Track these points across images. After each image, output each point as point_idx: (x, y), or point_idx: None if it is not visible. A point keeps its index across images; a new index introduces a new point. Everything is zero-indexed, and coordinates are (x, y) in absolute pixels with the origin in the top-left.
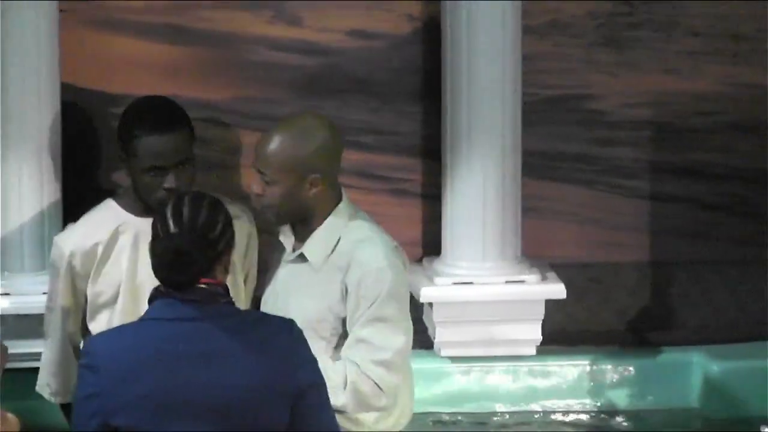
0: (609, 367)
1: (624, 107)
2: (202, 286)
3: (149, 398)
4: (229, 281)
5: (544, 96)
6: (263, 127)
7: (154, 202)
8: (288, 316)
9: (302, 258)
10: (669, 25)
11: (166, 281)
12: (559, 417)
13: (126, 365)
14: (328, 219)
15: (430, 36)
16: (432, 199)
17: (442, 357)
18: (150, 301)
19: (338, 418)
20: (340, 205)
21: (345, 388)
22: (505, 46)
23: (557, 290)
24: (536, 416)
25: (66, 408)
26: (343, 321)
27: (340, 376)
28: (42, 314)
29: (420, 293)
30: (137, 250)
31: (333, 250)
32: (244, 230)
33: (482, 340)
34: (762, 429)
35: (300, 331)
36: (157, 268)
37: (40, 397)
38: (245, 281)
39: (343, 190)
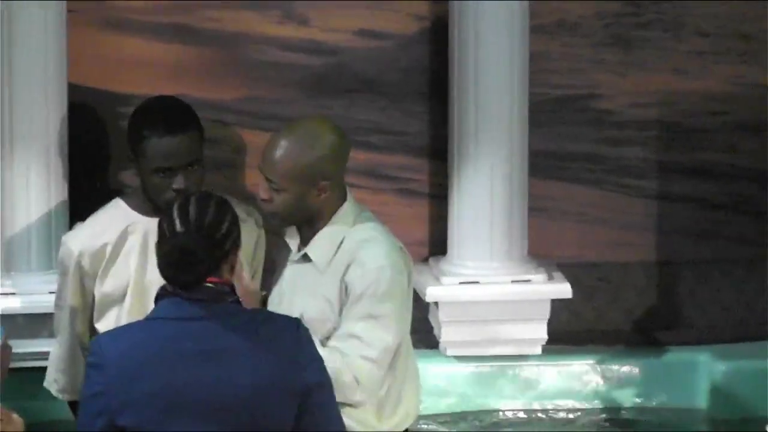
0: (615, 366)
1: (632, 107)
2: (209, 285)
3: (155, 397)
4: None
5: (552, 96)
6: (271, 126)
7: (163, 203)
8: (293, 315)
9: (307, 258)
10: (677, 25)
11: (173, 280)
12: (565, 417)
13: (132, 364)
14: (332, 219)
15: (438, 36)
16: (439, 198)
17: (448, 356)
18: (156, 300)
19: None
20: (345, 205)
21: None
22: (512, 45)
23: (563, 290)
24: (542, 416)
25: (74, 406)
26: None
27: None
28: (49, 314)
29: (426, 292)
30: (146, 250)
31: (337, 250)
32: (252, 232)
33: (488, 339)
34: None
35: (306, 330)
36: (164, 268)
37: (47, 396)
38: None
39: (348, 190)
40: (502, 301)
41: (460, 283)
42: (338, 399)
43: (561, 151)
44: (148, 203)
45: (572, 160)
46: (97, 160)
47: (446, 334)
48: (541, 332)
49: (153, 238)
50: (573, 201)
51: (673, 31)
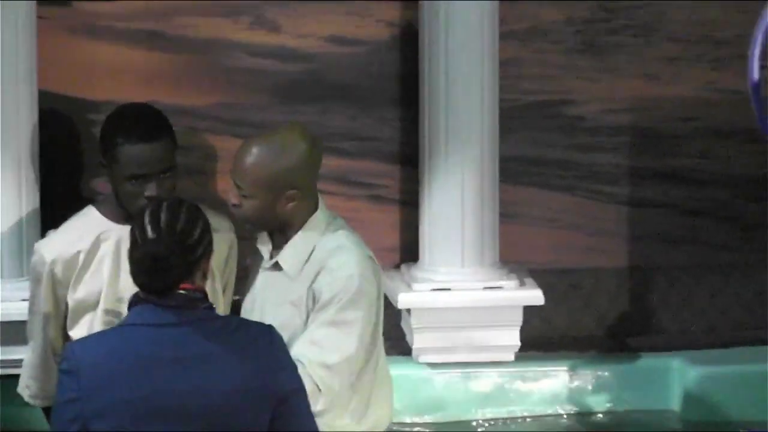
0: (588, 372)
1: (604, 113)
2: (181, 291)
3: (129, 403)
4: (207, 288)
5: (524, 102)
6: (243, 133)
7: (135, 210)
8: (265, 322)
9: (278, 266)
10: (648, 31)
11: (145, 287)
12: (538, 423)
13: (106, 370)
14: (303, 228)
15: (409, 42)
16: (410, 205)
17: (420, 363)
18: (129, 307)
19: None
20: (317, 213)
21: None
22: (482, 51)
23: (535, 296)
24: (515, 423)
25: (48, 411)
26: None
27: None
28: (21, 321)
29: (398, 299)
30: (119, 258)
31: (308, 259)
32: (225, 240)
33: (460, 346)
34: None
35: (280, 337)
36: (136, 274)
37: (22, 403)
38: (224, 290)
39: (321, 198)
40: (474, 307)
41: (432, 289)
42: None
43: (533, 157)
44: (120, 210)
45: (544, 166)
46: (68, 168)
47: (418, 341)
48: (513, 339)
49: (126, 246)
50: (545, 207)
51: (645, 37)
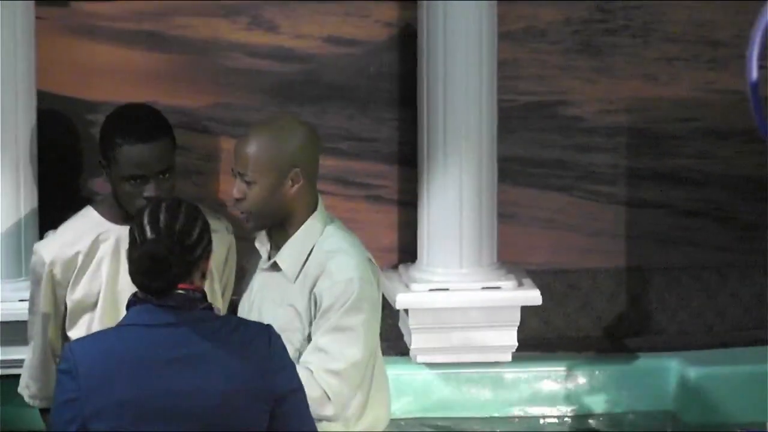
0: (586, 373)
1: (601, 113)
2: (180, 291)
3: (127, 404)
4: (206, 288)
5: (521, 102)
6: (241, 133)
7: (134, 211)
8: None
9: (276, 267)
10: (646, 31)
11: (144, 287)
12: (535, 424)
13: (104, 371)
14: (303, 226)
15: (407, 42)
16: (408, 205)
17: (418, 363)
18: (128, 307)
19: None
20: (316, 213)
21: None
22: (481, 52)
23: (533, 297)
24: (512, 423)
25: (45, 414)
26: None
27: None
28: (18, 321)
29: (396, 300)
30: (118, 258)
31: (306, 260)
32: (224, 240)
33: (458, 346)
34: None
35: (278, 337)
36: (135, 274)
37: (21, 403)
38: (223, 292)
39: (320, 198)
40: (471, 307)
41: (430, 290)
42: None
43: (530, 158)
44: (119, 211)
45: (542, 167)
46: (67, 168)
47: (416, 341)
48: (511, 339)
49: (125, 246)
50: (543, 207)
51: (643, 38)
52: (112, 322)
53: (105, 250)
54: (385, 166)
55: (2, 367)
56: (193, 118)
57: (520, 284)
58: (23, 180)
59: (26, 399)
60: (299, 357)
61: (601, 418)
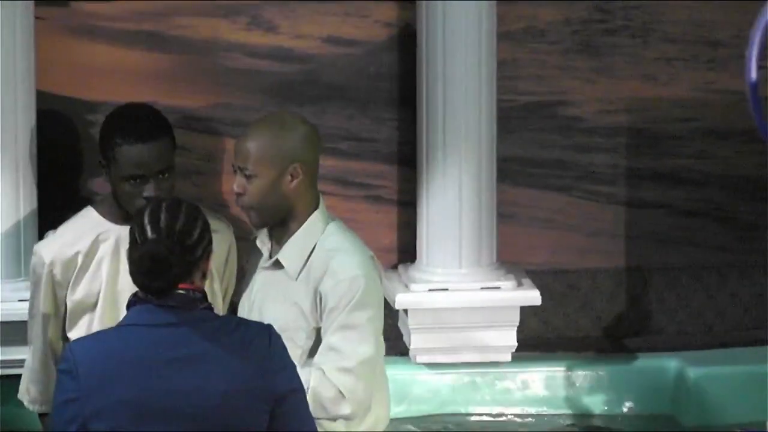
0: (585, 373)
1: (601, 113)
2: (180, 291)
3: (128, 403)
4: (206, 288)
5: (521, 102)
6: (241, 133)
7: (133, 210)
8: (263, 321)
9: (278, 265)
10: (645, 32)
11: (144, 287)
12: (534, 423)
13: (104, 370)
14: (305, 224)
15: (406, 42)
16: (408, 205)
17: (417, 364)
18: (128, 307)
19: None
20: (317, 212)
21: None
22: (480, 52)
23: (532, 297)
24: (512, 423)
25: (45, 418)
26: (317, 330)
27: (303, 382)
28: (17, 321)
29: (395, 300)
30: (118, 258)
31: (308, 258)
32: (224, 241)
33: (457, 346)
34: None
35: (278, 336)
36: (135, 274)
37: (20, 404)
38: (225, 293)
39: (321, 198)
40: (471, 308)
41: (429, 290)
42: (324, 416)
43: (530, 158)
44: (119, 210)
45: (541, 167)
46: (66, 168)
47: (416, 341)
48: (510, 339)
49: (125, 246)
50: (542, 207)
51: (642, 38)
52: (112, 323)
53: (105, 250)
54: (384, 166)
55: (2, 367)
56: (192, 119)
57: (520, 284)
58: (23, 180)
59: (26, 404)
60: (303, 355)
61: (600, 418)
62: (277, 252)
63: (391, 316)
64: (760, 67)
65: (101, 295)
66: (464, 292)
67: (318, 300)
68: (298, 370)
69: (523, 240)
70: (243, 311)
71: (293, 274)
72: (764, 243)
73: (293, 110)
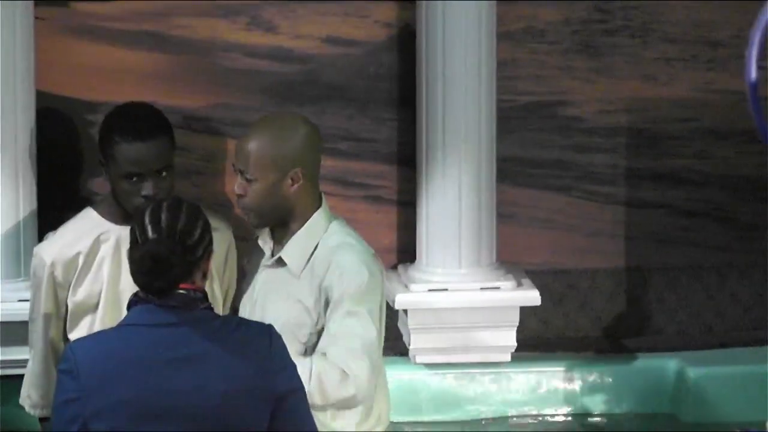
0: (585, 373)
1: (600, 113)
2: (181, 291)
3: (128, 403)
4: (206, 289)
5: (520, 102)
6: (240, 134)
7: (132, 209)
8: (265, 320)
9: (281, 263)
10: (645, 32)
11: (145, 287)
12: (534, 424)
13: (105, 370)
14: (308, 222)
15: (406, 42)
16: (408, 205)
17: (416, 364)
18: (129, 307)
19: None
20: (320, 211)
21: (310, 379)
22: (480, 52)
23: (532, 297)
24: (511, 424)
25: (45, 422)
26: (321, 327)
27: (306, 369)
28: (19, 322)
29: (395, 300)
30: (119, 258)
31: (311, 256)
32: (223, 241)
33: (457, 346)
34: None
35: (279, 336)
36: (136, 274)
37: (17, 404)
38: (226, 293)
39: (323, 196)
40: (471, 308)
41: (429, 290)
42: (330, 400)
43: (530, 158)
44: (119, 210)
45: (541, 167)
46: (66, 169)
47: (415, 341)
48: (510, 339)
49: (125, 246)
50: (542, 208)
51: (642, 38)
52: (113, 323)
53: (106, 250)
54: (384, 166)
55: (2, 368)
56: (192, 119)
57: (519, 284)
58: (22, 180)
59: (27, 409)
60: (305, 352)
61: (600, 418)
62: (279, 251)
63: (391, 316)
64: (760, 67)
65: (102, 295)
66: (464, 292)
67: (321, 295)
68: (299, 359)
69: (523, 240)
70: (245, 310)
71: (296, 272)
72: (764, 243)
73: (293, 110)
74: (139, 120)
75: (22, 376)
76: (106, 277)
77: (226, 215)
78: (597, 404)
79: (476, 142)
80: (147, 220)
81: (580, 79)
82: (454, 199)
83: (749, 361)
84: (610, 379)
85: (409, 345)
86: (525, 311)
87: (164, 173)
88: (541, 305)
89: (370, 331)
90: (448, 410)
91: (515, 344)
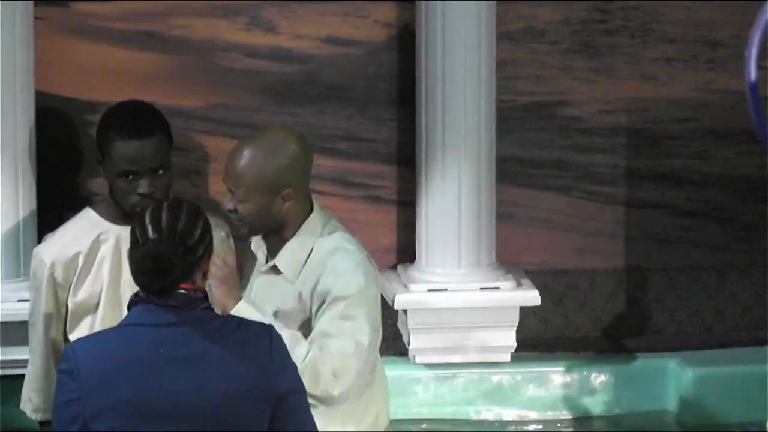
0: (585, 373)
1: (600, 114)
2: (182, 291)
3: (129, 403)
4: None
5: (520, 102)
6: (239, 134)
7: (128, 207)
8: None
9: (275, 270)
10: (645, 32)
11: (146, 287)
12: (534, 424)
13: (106, 370)
14: (300, 230)
15: (406, 43)
16: (407, 206)
17: (416, 364)
18: (129, 307)
19: None
20: (312, 215)
21: (305, 359)
22: (480, 51)
23: (531, 297)
24: (511, 424)
25: (46, 426)
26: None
27: (303, 350)
28: (19, 322)
29: (394, 300)
30: (119, 258)
31: (306, 261)
32: (223, 242)
33: (457, 346)
34: None
35: (279, 337)
36: (137, 274)
37: (17, 404)
38: None
39: (314, 199)
40: (470, 308)
41: (429, 290)
42: (315, 390)
43: (529, 158)
44: (118, 210)
45: (541, 167)
46: (66, 169)
47: (415, 341)
48: (510, 339)
49: (125, 246)
50: (541, 208)
51: (642, 38)
52: (114, 323)
53: (106, 250)
54: (384, 166)
55: (2, 368)
56: (192, 119)
57: (519, 284)
58: (22, 180)
59: (29, 413)
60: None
61: (600, 419)
62: (272, 258)
63: (391, 316)
64: (759, 67)
65: (103, 295)
66: (463, 292)
67: (318, 300)
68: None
69: (523, 240)
70: None
71: (291, 278)
72: (764, 243)
73: (292, 111)
74: (135, 118)
75: (22, 376)
76: (106, 277)
77: (224, 215)
78: (597, 404)
79: (476, 142)
80: (147, 220)
81: (580, 79)
82: (453, 199)
83: (749, 361)
84: (610, 379)
85: (409, 345)
86: (525, 311)
87: (161, 171)
88: (540, 305)
89: (363, 336)
90: (448, 411)
91: (515, 344)
